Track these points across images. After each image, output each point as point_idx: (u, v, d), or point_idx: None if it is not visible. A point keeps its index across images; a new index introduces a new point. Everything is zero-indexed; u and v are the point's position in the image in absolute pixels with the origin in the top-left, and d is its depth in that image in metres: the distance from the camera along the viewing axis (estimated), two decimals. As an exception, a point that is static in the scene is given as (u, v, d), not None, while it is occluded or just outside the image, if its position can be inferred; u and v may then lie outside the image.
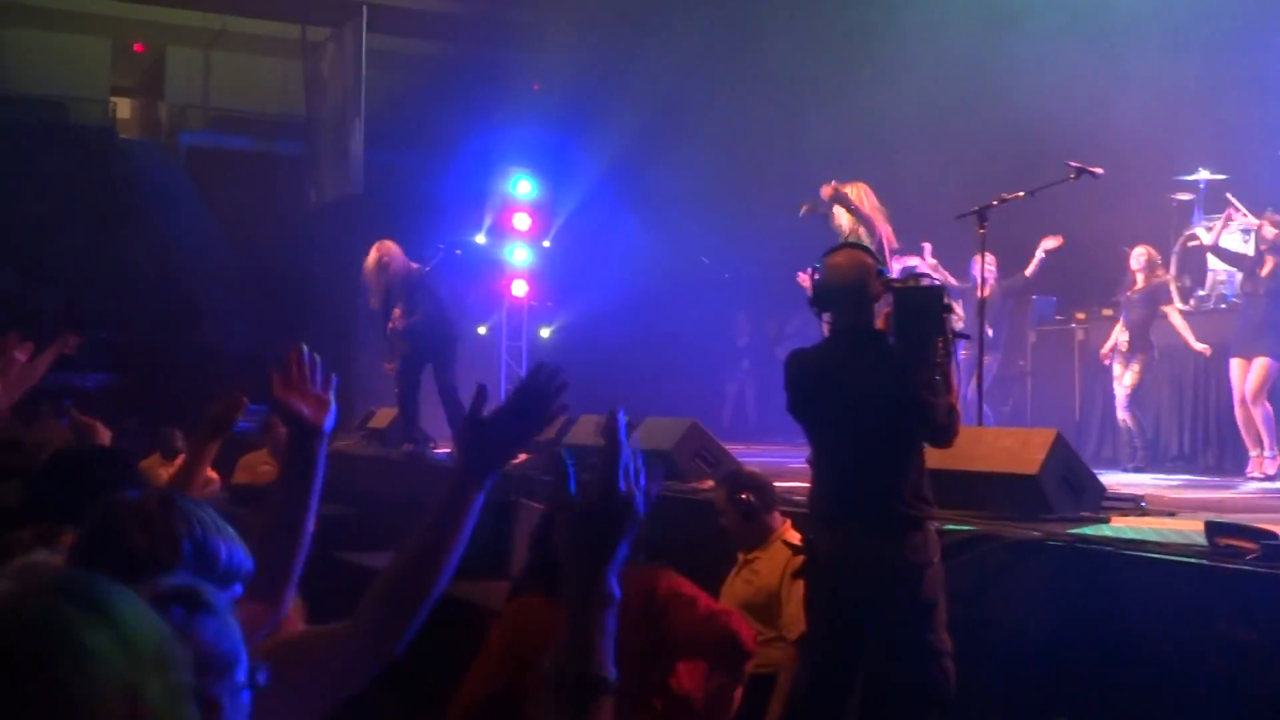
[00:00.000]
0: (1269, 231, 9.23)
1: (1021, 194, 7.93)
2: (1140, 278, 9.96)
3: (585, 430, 8.69)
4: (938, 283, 4.94)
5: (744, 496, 5.26)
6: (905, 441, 4.35)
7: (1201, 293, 10.71)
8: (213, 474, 6.66)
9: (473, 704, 3.49)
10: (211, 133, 24.49)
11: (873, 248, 7.41)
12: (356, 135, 16.78)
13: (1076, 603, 4.73)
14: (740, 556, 5.31)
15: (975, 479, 5.62)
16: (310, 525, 2.28)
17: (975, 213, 7.76)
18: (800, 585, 4.69)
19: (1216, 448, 10.15)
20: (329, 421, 2.38)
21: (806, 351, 4.63)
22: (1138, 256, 10.01)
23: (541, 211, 14.83)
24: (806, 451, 5.37)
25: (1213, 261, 10.46)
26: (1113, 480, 6.89)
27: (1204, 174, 10.90)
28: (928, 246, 9.94)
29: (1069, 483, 5.64)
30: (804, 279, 6.37)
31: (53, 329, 7.97)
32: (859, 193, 8.97)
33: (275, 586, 2.16)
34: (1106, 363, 10.20)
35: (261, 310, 17.54)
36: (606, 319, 14.71)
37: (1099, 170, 8.08)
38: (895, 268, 8.91)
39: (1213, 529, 4.56)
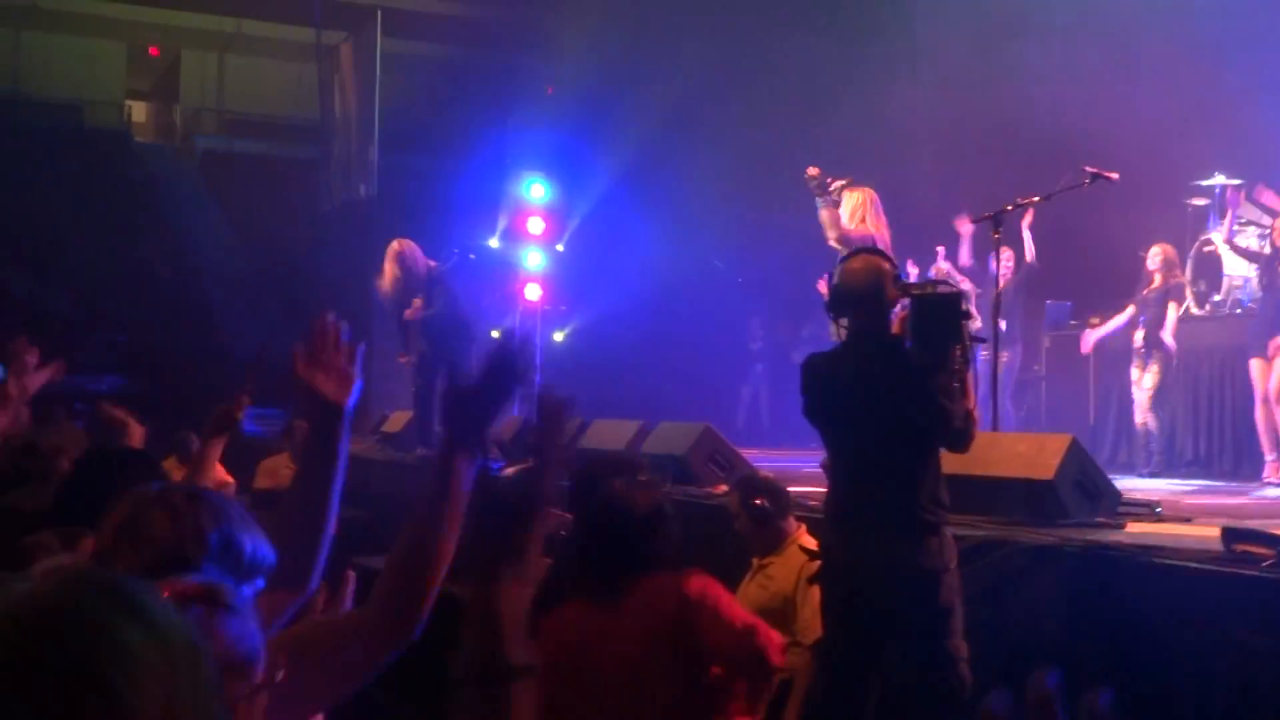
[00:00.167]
0: None
1: (1037, 198, 7.93)
2: (1158, 278, 9.92)
3: (600, 434, 8.69)
4: (954, 288, 4.92)
5: (758, 502, 5.25)
6: (921, 446, 4.34)
7: (1217, 297, 10.66)
8: (228, 478, 6.67)
9: None
10: (225, 136, 24.58)
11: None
12: (370, 139, 16.82)
13: (1092, 609, 4.72)
14: (754, 562, 5.30)
15: (991, 484, 5.62)
16: (334, 509, 2.25)
17: (990, 217, 7.75)
18: (815, 590, 4.69)
19: (1232, 452, 10.09)
20: (352, 398, 2.34)
21: (822, 356, 4.62)
22: (1154, 256, 9.96)
23: (555, 215, 14.83)
24: (820, 456, 5.37)
25: (1228, 266, 10.41)
26: (1128, 486, 6.88)
27: (1220, 179, 10.85)
28: (940, 250, 9.91)
29: (1084, 488, 5.63)
30: (823, 286, 6.34)
31: (67, 331, 8.00)
32: (860, 200, 8.78)
33: (299, 573, 2.16)
34: (1085, 352, 10.21)
35: (275, 313, 17.59)
36: (620, 323, 14.72)
37: (1114, 175, 8.06)
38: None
39: (1229, 535, 4.53)
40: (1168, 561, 4.55)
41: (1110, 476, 6.04)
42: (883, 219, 8.47)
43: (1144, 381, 9.86)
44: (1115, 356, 10.78)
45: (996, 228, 7.80)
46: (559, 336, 15.54)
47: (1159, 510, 6.12)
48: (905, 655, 4.30)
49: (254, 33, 23.26)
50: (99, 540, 1.87)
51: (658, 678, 3.47)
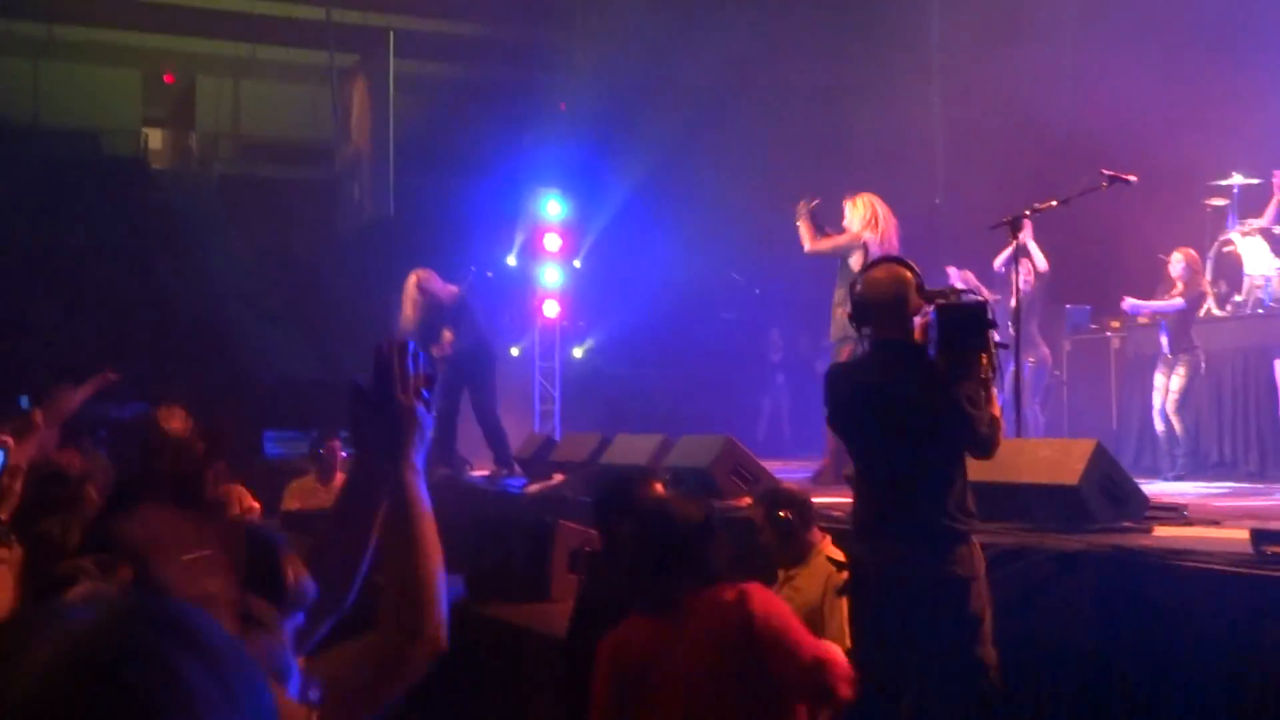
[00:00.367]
0: None
1: (1054, 202, 7.91)
2: (1180, 285, 9.87)
3: (622, 449, 8.69)
4: (979, 299, 4.90)
5: (783, 514, 5.23)
6: (947, 454, 4.34)
7: (1238, 298, 10.61)
8: (254, 503, 6.67)
9: None
10: (242, 161, 24.70)
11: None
12: (386, 159, 16.89)
13: (1121, 614, 4.69)
14: (781, 574, 5.29)
15: (1017, 490, 5.60)
16: (370, 546, 2.20)
17: (1008, 222, 7.74)
18: (843, 601, 4.68)
19: (1258, 454, 10.04)
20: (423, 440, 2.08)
21: (847, 365, 4.64)
22: (1176, 262, 9.91)
23: (572, 231, 14.84)
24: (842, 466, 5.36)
25: (1249, 265, 10.36)
26: (1154, 489, 6.83)
27: (1238, 178, 10.82)
28: (951, 269, 9.90)
29: (1110, 493, 5.61)
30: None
31: (91, 360, 8.04)
32: (862, 205, 8.80)
33: (335, 599, 2.17)
34: (1125, 309, 10.12)
35: (295, 335, 17.64)
36: (639, 337, 14.72)
37: (1132, 178, 8.03)
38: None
39: (1259, 537, 4.51)
40: (1197, 565, 4.52)
41: (1135, 480, 6.02)
42: (892, 219, 8.62)
43: (1171, 384, 9.80)
44: (1138, 360, 10.75)
45: (1014, 233, 7.78)
46: (578, 352, 15.54)
47: (1186, 513, 6.09)
48: (936, 664, 4.28)
49: (268, 57, 23.34)
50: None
51: (722, 696, 3.43)
